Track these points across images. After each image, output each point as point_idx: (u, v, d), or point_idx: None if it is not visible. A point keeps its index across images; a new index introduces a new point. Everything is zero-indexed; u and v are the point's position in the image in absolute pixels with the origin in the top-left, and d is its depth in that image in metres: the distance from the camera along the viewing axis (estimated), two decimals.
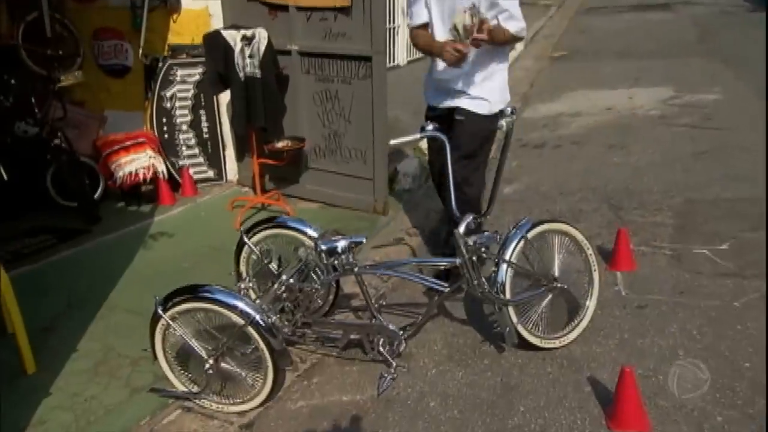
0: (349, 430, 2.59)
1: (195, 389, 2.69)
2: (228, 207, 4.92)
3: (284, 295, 2.88)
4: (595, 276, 3.08)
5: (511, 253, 2.79)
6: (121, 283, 3.82)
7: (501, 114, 2.89)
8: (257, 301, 2.73)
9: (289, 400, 2.79)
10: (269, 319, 2.57)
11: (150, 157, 4.86)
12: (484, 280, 2.77)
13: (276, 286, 2.87)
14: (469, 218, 2.74)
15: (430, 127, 2.90)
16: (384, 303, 3.12)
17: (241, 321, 2.53)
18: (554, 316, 3.01)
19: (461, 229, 2.70)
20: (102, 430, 2.61)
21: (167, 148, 5.19)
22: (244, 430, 2.62)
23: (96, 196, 4.86)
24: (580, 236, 3.01)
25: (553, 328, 3.00)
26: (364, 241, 2.86)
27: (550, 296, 2.94)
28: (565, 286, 2.97)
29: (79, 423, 2.65)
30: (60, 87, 4.75)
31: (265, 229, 3.19)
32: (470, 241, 2.70)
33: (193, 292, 2.57)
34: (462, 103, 3.24)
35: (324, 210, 4.92)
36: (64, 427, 2.63)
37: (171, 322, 2.60)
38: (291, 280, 2.87)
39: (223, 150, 5.41)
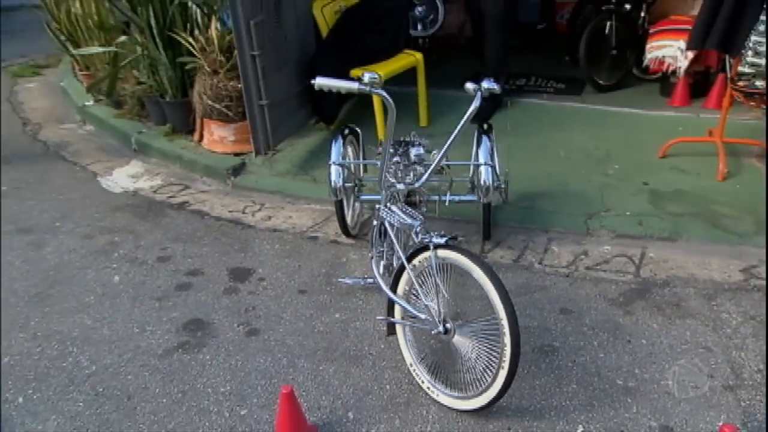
0: None
1: None
2: (707, 133, 4.08)
3: None
4: (507, 343, 1.97)
5: (412, 255, 2.22)
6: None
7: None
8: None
9: None
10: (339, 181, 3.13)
11: (678, 49, 4.41)
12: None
13: None
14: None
15: (366, 78, 2.06)
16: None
17: None
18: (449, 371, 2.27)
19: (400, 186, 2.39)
20: None
21: None
22: None
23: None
24: (494, 294, 1.96)
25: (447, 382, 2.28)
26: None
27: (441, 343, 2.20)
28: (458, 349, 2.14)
29: None
30: None
31: None
32: (391, 209, 2.36)
33: None
34: None
35: None
36: None
37: None
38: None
39: None
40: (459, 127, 2.28)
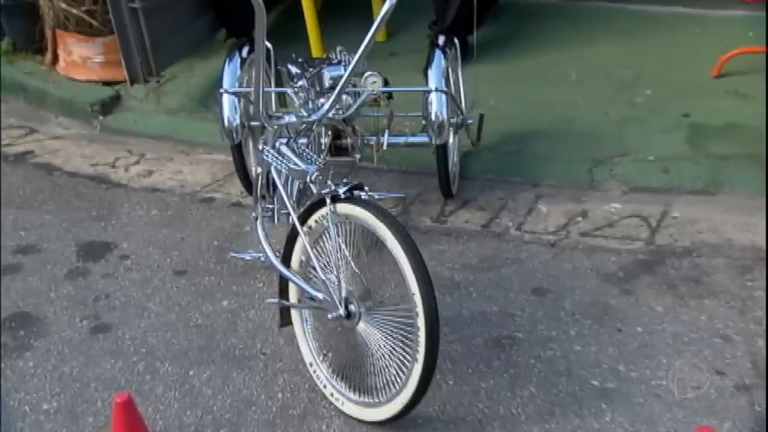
0: None
1: None
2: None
3: None
4: (421, 327, 2.12)
5: (306, 213, 2.36)
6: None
7: None
8: None
9: None
10: None
11: None
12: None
13: None
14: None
15: None
16: None
17: None
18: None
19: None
20: None
21: None
22: None
23: None
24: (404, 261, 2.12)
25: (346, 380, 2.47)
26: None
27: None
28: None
29: None
30: None
31: None
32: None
33: None
34: None
35: None
36: None
37: None
38: None
39: None
40: (370, 35, 2.38)
